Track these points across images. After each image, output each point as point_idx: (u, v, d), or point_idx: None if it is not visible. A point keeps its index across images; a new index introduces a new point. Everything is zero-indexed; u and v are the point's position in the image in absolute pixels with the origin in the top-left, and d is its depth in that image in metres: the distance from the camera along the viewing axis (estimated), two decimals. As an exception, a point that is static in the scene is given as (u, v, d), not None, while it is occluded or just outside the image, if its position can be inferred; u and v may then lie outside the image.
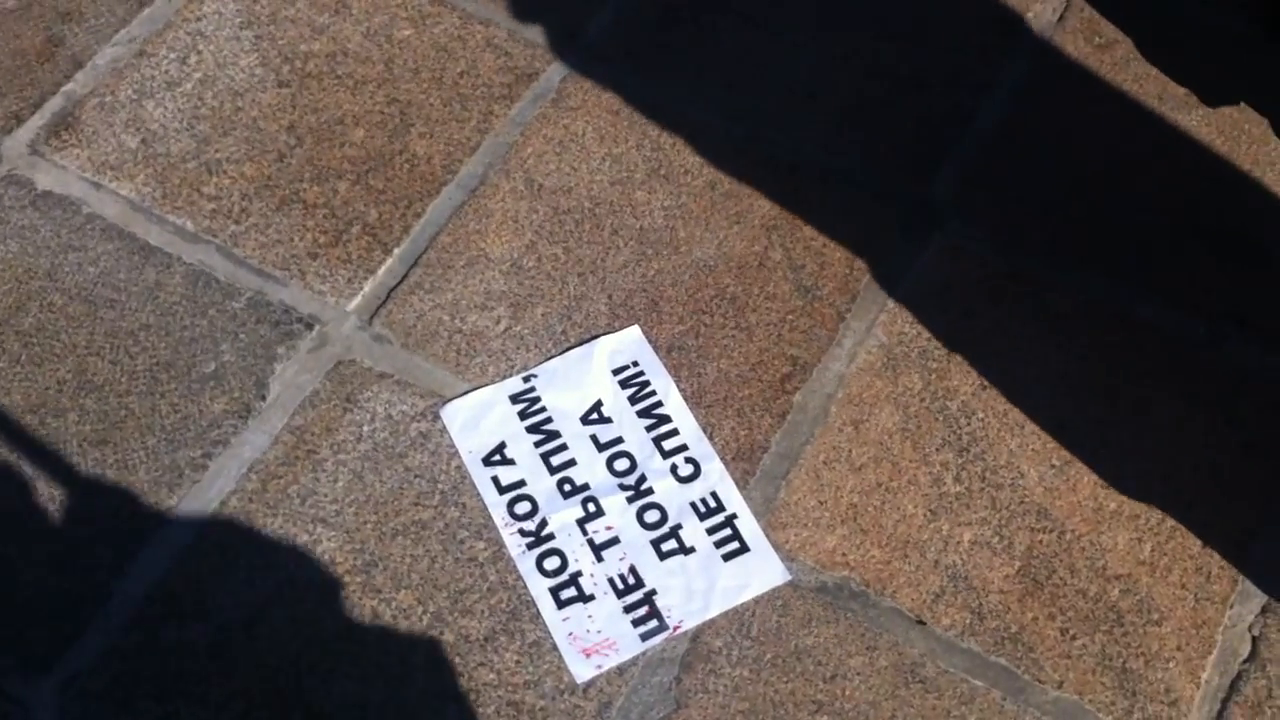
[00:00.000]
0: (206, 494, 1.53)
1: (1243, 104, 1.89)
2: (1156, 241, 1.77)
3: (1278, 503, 1.57)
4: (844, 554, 1.52)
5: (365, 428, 1.58)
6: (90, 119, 1.81)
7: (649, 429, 1.60)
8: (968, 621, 1.48)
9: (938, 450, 1.59)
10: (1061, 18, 1.99)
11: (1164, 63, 1.92)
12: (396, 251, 1.72)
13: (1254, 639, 1.49)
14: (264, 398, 1.60)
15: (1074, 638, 1.48)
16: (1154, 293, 1.73)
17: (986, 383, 1.64)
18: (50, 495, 1.52)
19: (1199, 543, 1.53)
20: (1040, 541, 1.53)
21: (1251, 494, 1.57)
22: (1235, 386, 1.65)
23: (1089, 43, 1.96)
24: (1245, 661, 1.47)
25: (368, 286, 1.69)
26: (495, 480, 1.55)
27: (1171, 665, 1.46)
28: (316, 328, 1.65)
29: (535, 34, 1.94)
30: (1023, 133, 1.87)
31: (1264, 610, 1.50)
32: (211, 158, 1.78)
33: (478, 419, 1.59)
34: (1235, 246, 1.76)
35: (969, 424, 1.61)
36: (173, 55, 1.88)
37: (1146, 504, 1.55)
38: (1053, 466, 1.58)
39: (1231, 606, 1.50)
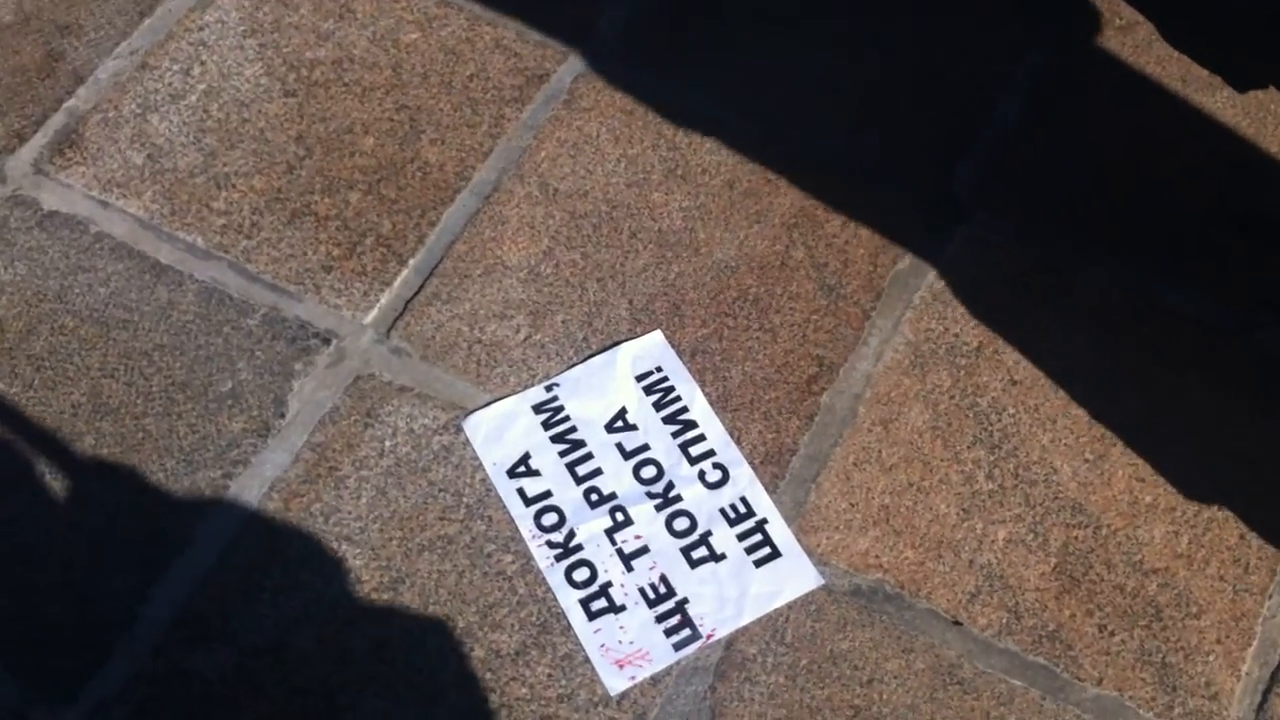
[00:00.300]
0: (229, 515, 1.51)
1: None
2: (1184, 228, 1.74)
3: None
4: (877, 556, 1.50)
5: (387, 443, 1.56)
6: (94, 135, 1.78)
7: (675, 435, 1.57)
8: (1005, 621, 1.46)
9: (969, 448, 1.57)
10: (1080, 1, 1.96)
11: (1188, 47, 1.88)
12: (412, 262, 1.69)
13: (1297, 630, 1.47)
14: (283, 415, 1.58)
15: (1112, 634, 1.45)
16: (1183, 280, 1.70)
17: (1016, 377, 1.61)
18: (70, 521, 1.50)
19: (1236, 534, 1.51)
20: (1076, 537, 1.51)
21: (1289, 483, 1.55)
22: (1269, 375, 1.62)
23: (1109, 25, 1.92)
24: (1288, 653, 1.46)
25: (384, 299, 1.67)
26: (521, 492, 1.53)
27: (1211, 658, 1.44)
28: (334, 342, 1.63)
29: (545, 34, 1.91)
30: (1044, 120, 1.84)
31: (1306, 601, 1.48)
32: (220, 171, 1.76)
33: (501, 430, 1.57)
34: (1265, 231, 1.73)
35: (1000, 420, 1.58)
36: (176, 67, 1.85)
37: (1184, 497, 1.52)
38: (1086, 461, 1.55)
39: (1270, 597, 1.48)
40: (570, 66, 1.87)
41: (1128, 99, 1.86)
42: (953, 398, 1.60)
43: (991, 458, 1.56)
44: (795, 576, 1.48)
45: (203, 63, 1.85)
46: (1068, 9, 1.95)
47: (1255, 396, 1.61)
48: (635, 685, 1.42)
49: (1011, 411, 1.59)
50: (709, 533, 1.51)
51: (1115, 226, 1.75)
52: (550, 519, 1.51)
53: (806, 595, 1.47)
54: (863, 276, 1.69)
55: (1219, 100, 1.85)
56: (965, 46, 1.91)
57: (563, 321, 1.65)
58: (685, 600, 1.47)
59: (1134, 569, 1.49)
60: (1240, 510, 1.52)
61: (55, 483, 1.52)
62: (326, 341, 1.63)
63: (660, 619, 1.46)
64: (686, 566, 1.49)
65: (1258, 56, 1.88)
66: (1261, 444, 1.58)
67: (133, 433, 1.56)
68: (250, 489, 1.53)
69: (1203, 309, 1.68)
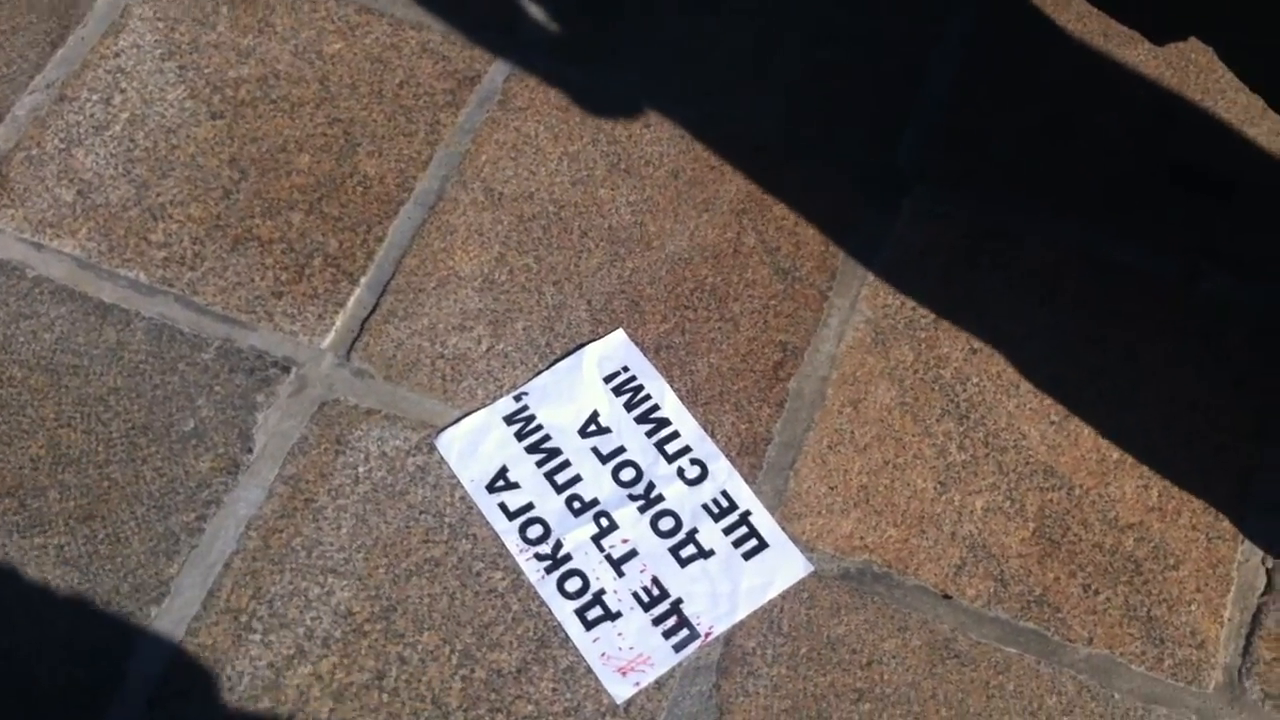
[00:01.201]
0: (207, 558, 1.49)
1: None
2: (1120, 182, 1.77)
3: (1271, 437, 1.59)
4: (861, 537, 1.52)
5: (361, 468, 1.54)
6: (19, 175, 1.73)
7: (649, 434, 1.57)
8: (992, 590, 1.49)
9: (938, 420, 1.59)
10: (994, -39, 1.98)
11: (1103, 2, 1.91)
12: (363, 280, 1.67)
13: (1268, 571, 1.51)
14: (250, 450, 1.55)
15: (1097, 592, 1.49)
16: (1125, 235, 1.73)
17: (976, 345, 1.64)
18: (45, 580, 1.46)
19: (1202, 483, 1.55)
20: (1051, 500, 1.54)
21: (1246, 429, 1.59)
22: (1217, 321, 1.66)
23: (1025, -15, 1.95)
24: (1263, 595, 1.50)
25: (339, 320, 1.64)
26: (503, 506, 1.52)
27: (1194, 607, 1.49)
28: (294, 370, 1.60)
29: (470, 33, 1.88)
30: (976, 85, 1.86)
31: (1274, 541, 1.53)
32: (154, 202, 1.72)
33: (475, 445, 1.56)
34: (1197, 179, 1.77)
35: (965, 390, 1.61)
36: (96, 97, 1.80)
37: (1148, 451, 1.56)
38: (1052, 423, 1.59)
39: (1242, 542, 1.52)
40: (500, 66, 1.85)
41: (1053, 56, 1.88)
42: (917, 372, 1.62)
43: (961, 428, 1.59)
44: (785, 566, 1.50)
45: (123, 90, 1.80)
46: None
47: (1204, 344, 1.65)
48: (640, 691, 1.43)
49: (975, 380, 1.62)
50: (695, 530, 1.52)
51: (1053, 185, 1.77)
52: (535, 531, 1.51)
53: (798, 583, 1.49)
54: (816, 257, 1.71)
55: (1140, 53, 1.88)
56: (890, 11, 1.92)
57: (523, 328, 1.64)
58: (679, 600, 1.48)
59: (1110, 526, 1.52)
60: (1203, 458, 1.57)
61: (23, 541, 1.48)
62: (286, 370, 1.61)
63: (657, 621, 1.46)
64: (676, 566, 1.50)
65: (1171, 8, 1.92)
66: (1213, 391, 1.62)
67: (98, 482, 1.52)
68: (227, 529, 1.50)
69: (1146, 262, 1.71)
